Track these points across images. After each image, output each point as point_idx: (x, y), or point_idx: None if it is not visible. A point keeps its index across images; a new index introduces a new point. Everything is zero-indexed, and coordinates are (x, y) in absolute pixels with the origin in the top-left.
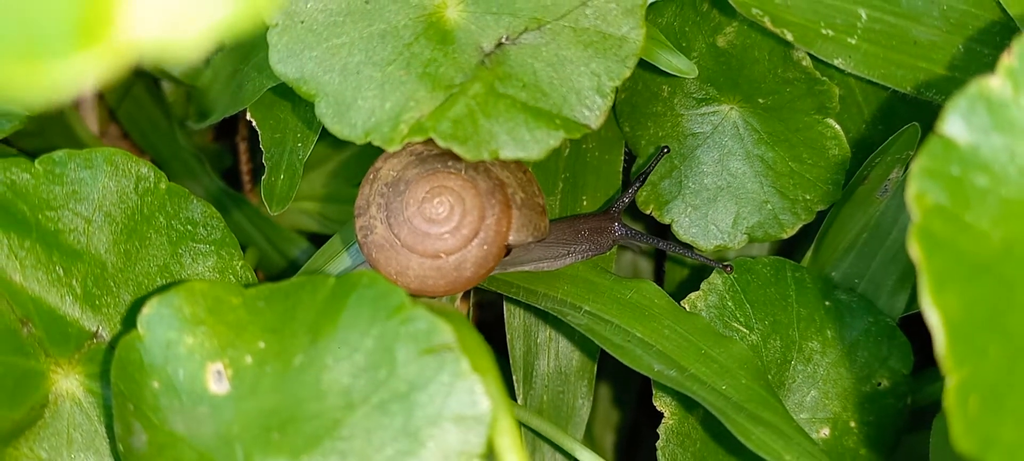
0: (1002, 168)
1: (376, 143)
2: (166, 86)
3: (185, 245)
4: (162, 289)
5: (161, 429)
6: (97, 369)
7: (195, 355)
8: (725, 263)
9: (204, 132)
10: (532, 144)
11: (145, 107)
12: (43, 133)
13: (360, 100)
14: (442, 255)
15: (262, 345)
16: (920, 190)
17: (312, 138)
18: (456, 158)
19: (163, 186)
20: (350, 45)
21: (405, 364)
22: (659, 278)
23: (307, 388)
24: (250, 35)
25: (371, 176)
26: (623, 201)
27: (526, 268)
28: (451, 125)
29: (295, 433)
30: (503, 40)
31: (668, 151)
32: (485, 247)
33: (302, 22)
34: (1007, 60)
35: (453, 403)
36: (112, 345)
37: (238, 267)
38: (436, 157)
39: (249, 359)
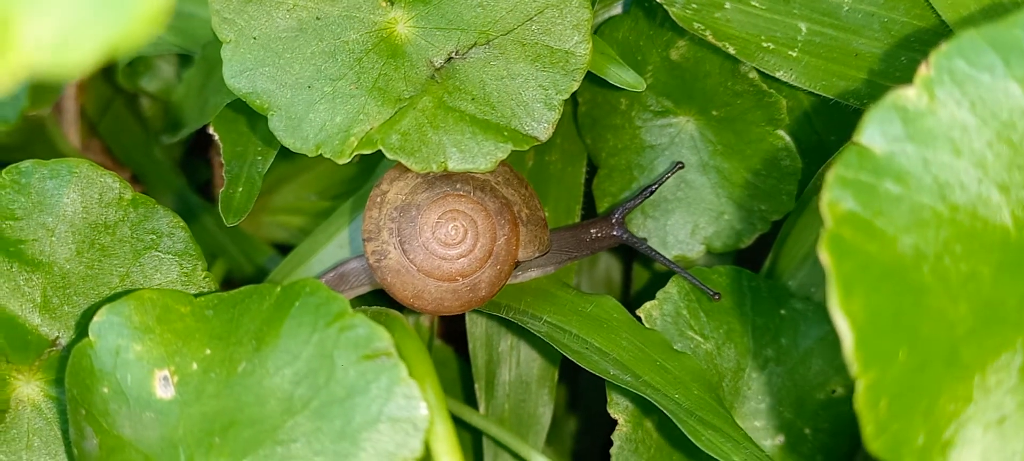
0: (916, 177)
1: (327, 155)
2: (144, 101)
3: (148, 255)
4: (114, 297)
5: (110, 433)
6: (56, 376)
7: (143, 361)
8: (715, 293)
9: (180, 145)
10: (480, 156)
11: (125, 122)
12: (26, 147)
13: (312, 114)
14: (458, 278)
15: (208, 352)
16: (833, 198)
17: (271, 152)
18: (463, 180)
19: (128, 196)
20: (302, 60)
21: (344, 369)
22: (627, 280)
23: (250, 393)
24: (218, 50)
25: (378, 199)
26: (627, 206)
27: (529, 275)
28: (400, 138)
29: (236, 437)
30: (453, 55)
31: (681, 167)
32: (498, 266)
33: (255, 38)
34: (924, 71)
35: (390, 407)
36: (67, 352)
37: (201, 277)
38: (443, 179)
39: (195, 366)
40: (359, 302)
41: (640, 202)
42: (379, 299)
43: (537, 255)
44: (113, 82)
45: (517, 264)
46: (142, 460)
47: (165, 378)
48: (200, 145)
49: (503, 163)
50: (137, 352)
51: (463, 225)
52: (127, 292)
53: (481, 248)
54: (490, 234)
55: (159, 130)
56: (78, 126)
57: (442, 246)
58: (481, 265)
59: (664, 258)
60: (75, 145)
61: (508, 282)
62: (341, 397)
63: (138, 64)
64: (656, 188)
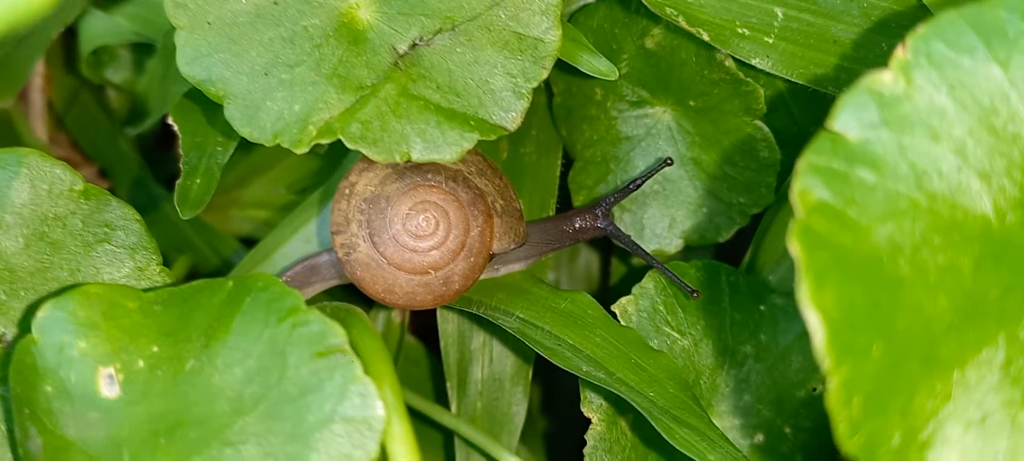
0: (892, 164)
1: (285, 145)
2: (111, 93)
3: (100, 249)
4: (59, 292)
5: (54, 433)
6: (2, 373)
7: (87, 359)
8: (693, 290)
9: (148, 137)
10: (445, 146)
11: (91, 114)
12: None
13: (269, 102)
14: (430, 271)
15: (155, 349)
16: (804, 186)
17: (231, 143)
18: (435, 169)
19: (79, 188)
20: (258, 46)
21: (296, 367)
22: (605, 274)
23: (198, 392)
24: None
25: (346, 190)
26: (612, 198)
27: (511, 268)
28: (360, 127)
29: (183, 438)
30: (417, 41)
31: (671, 163)
32: (471, 259)
33: (209, 23)
34: (900, 54)
35: (345, 407)
36: (10, 349)
37: (155, 273)
38: (414, 169)
39: (141, 363)
40: (328, 296)
41: (626, 195)
42: (351, 293)
43: (513, 247)
44: (79, 74)
45: (492, 256)
46: None
47: (110, 376)
48: (167, 137)
49: (476, 153)
50: (81, 349)
51: (435, 216)
52: (73, 287)
53: (454, 240)
54: (463, 226)
55: (125, 122)
56: (45, 119)
57: (413, 238)
58: (454, 258)
59: (646, 253)
60: (42, 138)
61: (488, 275)
62: (293, 396)
63: (102, 54)
64: (642, 182)
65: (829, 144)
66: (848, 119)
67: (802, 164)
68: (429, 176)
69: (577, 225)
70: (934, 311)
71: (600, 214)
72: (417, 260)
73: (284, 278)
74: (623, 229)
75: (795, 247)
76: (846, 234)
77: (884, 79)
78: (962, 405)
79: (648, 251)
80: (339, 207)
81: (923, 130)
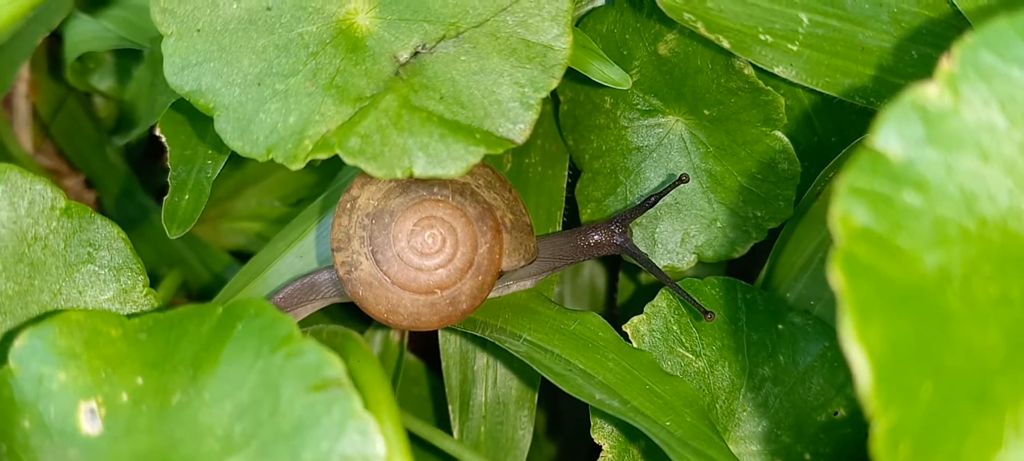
0: (939, 186)
1: (279, 160)
2: (98, 101)
3: (83, 270)
4: (39, 319)
5: None
6: None
7: (68, 392)
8: (707, 311)
9: (138, 147)
10: (449, 161)
11: (79, 123)
12: None
13: (262, 114)
14: (437, 291)
15: (140, 381)
16: (845, 211)
17: (222, 156)
18: (441, 183)
19: (61, 205)
20: (251, 55)
21: (290, 402)
22: (611, 291)
23: (184, 429)
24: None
25: (347, 205)
26: (628, 214)
27: (523, 284)
28: (360, 141)
29: None
30: (419, 49)
31: (687, 180)
32: (479, 278)
33: (199, 30)
34: (946, 65)
35: (343, 445)
36: None
37: (141, 294)
38: (419, 183)
39: (125, 397)
40: (324, 314)
41: (643, 212)
42: (347, 310)
43: (523, 264)
44: (65, 80)
45: (500, 274)
46: None
47: (91, 411)
48: (157, 145)
49: (485, 165)
50: (61, 381)
51: (441, 233)
52: (53, 313)
53: (461, 258)
54: (471, 242)
55: (112, 131)
56: (31, 127)
57: (418, 256)
58: (461, 276)
59: (662, 273)
60: (27, 147)
61: (495, 294)
62: (287, 433)
63: (87, 60)
64: (659, 198)
65: (871, 164)
66: (890, 136)
67: (842, 186)
68: (435, 190)
69: (592, 241)
70: (986, 346)
71: (617, 230)
72: (422, 279)
73: (281, 295)
74: (635, 243)
75: (837, 277)
76: (892, 263)
77: (929, 93)
78: (1015, 450)
79: (661, 268)
80: (340, 222)
81: (972, 148)
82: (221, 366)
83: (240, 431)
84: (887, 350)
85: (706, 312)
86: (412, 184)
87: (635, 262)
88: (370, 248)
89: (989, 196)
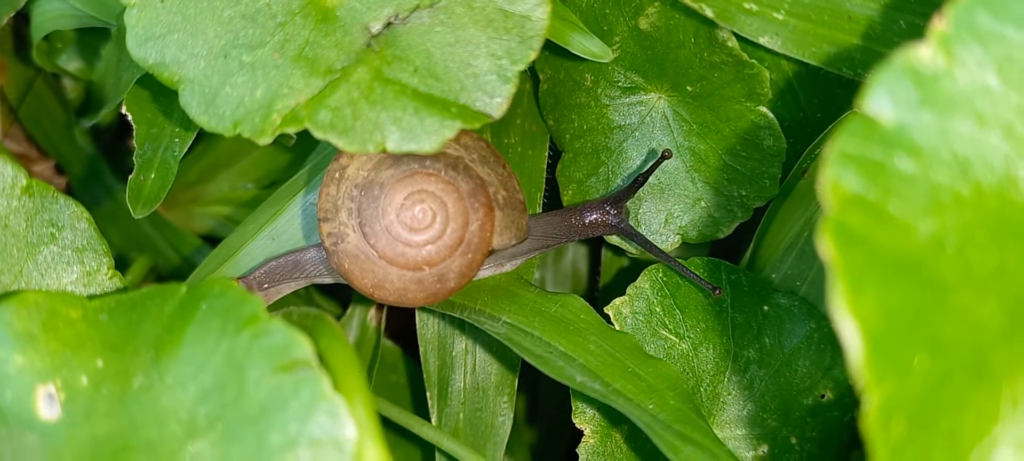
0: (933, 151)
1: (246, 135)
2: (67, 83)
3: (45, 250)
4: None
5: None
6: None
7: (24, 375)
8: (715, 287)
9: (108, 129)
10: (423, 135)
11: (48, 106)
12: None
13: (228, 87)
14: (425, 267)
15: (100, 364)
16: (836, 177)
17: (189, 134)
18: (434, 156)
19: (23, 183)
20: (217, 25)
21: (256, 384)
22: (594, 272)
23: (146, 413)
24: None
25: (336, 174)
26: (623, 193)
27: (516, 263)
28: (330, 114)
29: None
30: (392, 19)
31: (670, 155)
32: (469, 256)
33: (162, 1)
34: (939, 26)
35: (312, 428)
36: None
37: (106, 276)
38: (411, 155)
39: (85, 380)
40: (298, 298)
41: (635, 191)
42: (329, 294)
43: (513, 243)
44: (32, 62)
45: (491, 252)
46: None
47: (50, 395)
48: (126, 128)
49: (479, 138)
50: (18, 364)
51: (432, 208)
52: (10, 294)
53: (451, 234)
54: (462, 219)
55: (79, 112)
56: None
57: (407, 231)
58: (450, 253)
59: (660, 251)
60: None
61: (486, 272)
62: (253, 416)
63: (55, 40)
64: (648, 175)
65: (862, 129)
66: (883, 99)
67: (832, 151)
68: (427, 163)
69: (588, 220)
70: (983, 317)
71: (613, 210)
72: (411, 255)
73: (262, 270)
74: None
75: (827, 246)
76: (885, 231)
77: (922, 54)
78: (1012, 424)
79: (660, 248)
80: (327, 191)
81: (967, 112)
82: (184, 348)
83: (204, 414)
84: (880, 322)
85: (714, 288)
86: (404, 156)
87: (630, 243)
88: (358, 220)
89: (985, 162)
